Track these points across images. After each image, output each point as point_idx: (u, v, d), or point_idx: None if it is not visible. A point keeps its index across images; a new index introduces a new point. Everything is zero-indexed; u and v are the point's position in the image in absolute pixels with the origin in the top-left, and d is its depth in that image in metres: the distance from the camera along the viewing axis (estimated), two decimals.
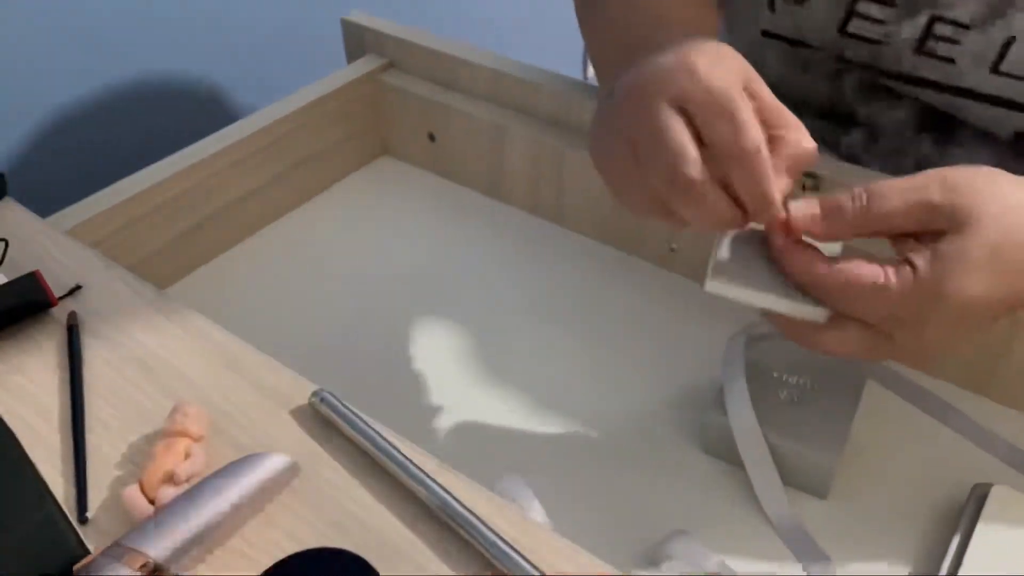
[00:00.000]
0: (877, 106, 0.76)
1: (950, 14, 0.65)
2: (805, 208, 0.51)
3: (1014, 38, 0.64)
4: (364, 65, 0.89)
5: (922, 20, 0.67)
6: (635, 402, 0.67)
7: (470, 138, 0.85)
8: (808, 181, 0.67)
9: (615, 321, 0.74)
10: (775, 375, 0.63)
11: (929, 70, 0.69)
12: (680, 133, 0.48)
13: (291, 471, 0.48)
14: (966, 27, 0.65)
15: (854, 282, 0.48)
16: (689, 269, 0.77)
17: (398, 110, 0.89)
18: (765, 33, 0.77)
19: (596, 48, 0.68)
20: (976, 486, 0.58)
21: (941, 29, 0.66)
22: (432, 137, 0.88)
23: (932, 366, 0.67)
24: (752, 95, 0.50)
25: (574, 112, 0.79)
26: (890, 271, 0.47)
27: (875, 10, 0.68)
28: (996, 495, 0.56)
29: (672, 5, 0.64)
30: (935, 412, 0.66)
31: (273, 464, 0.47)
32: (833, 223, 0.50)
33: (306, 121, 0.83)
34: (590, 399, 0.67)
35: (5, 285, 0.56)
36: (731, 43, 0.85)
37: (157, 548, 0.43)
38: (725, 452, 0.61)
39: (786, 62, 0.79)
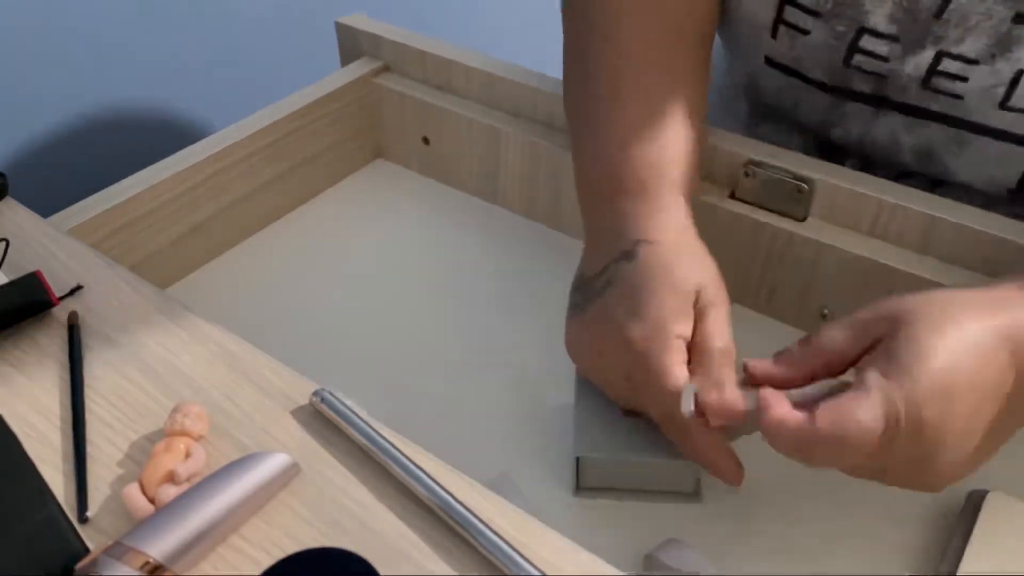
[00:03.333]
0: (864, 156, 0.77)
1: (956, 49, 0.64)
2: (760, 363, 0.53)
3: (1023, 72, 0.63)
4: (359, 68, 0.89)
5: (928, 56, 0.66)
6: None
7: (465, 141, 0.85)
8: (801, 186, 0.68)
9: None
10: None
11: (936, 104, 0.68)
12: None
13: (291, 470, 0.48)
14: (974, 62, 0.64)
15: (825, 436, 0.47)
16: None
17: (393, 113, 0.89)
18: (767, 60, 0.77)
19: (581, 162, 0.69)
20: (971, 492, 0.58)
21: (948, 65, 0.65)
22: (427, 140, 0.88)
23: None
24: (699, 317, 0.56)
25: None
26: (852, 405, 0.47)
27: (879, 45, 0.67)
28: (992, 501, 0.56)
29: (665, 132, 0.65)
30: None
31: (273, 463, 0.47)
32: (785, 365, 0.52)
33: (301, 124, 0.83)
34: None
35: (6, 285, 0.56)
36: (730, 69, 0.85)
37: (158, 547, 0.43)
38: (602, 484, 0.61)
39: (781, 96, 0.79)
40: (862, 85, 0.72)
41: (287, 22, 1.07)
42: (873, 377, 0.47)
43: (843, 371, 0.51)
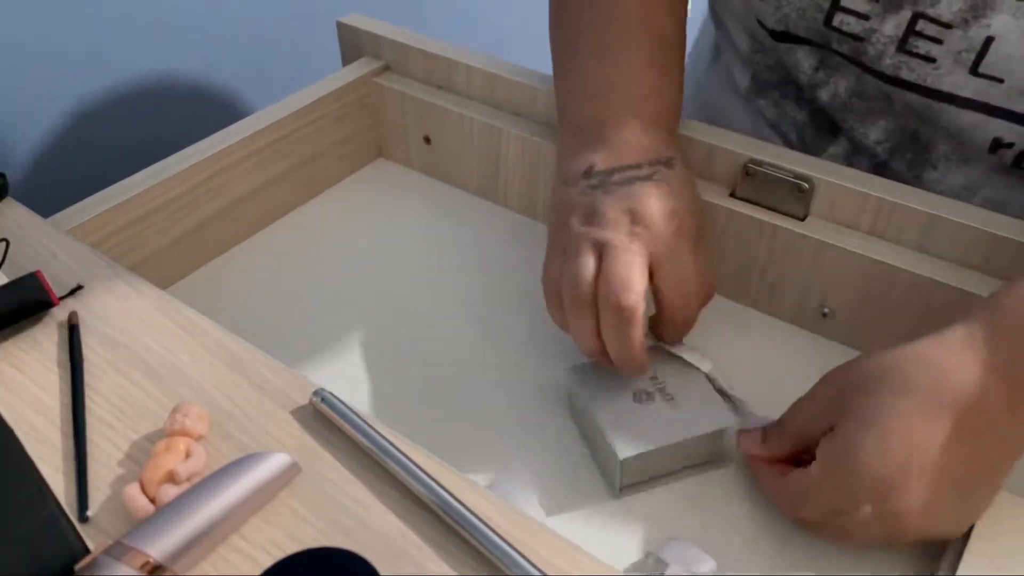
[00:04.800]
0: (853, 121, 0.77)
1: (932, 12, 0.65)
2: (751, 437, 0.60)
3: (993, 38, 0.64)
4: (360, 68, 0.89)
5: (905, 16, 0.66)
6: None
7: (466, 141, 0.85)
8: (801, 185, 0.68)
9: None
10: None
11: (909, 71, 0.69)
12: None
13: (291, 470, 0.48)
14: (948, 26, 0.65)
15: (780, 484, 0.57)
16: None
17: (394, 113, 0.89)
18: (759, 24, 0.77)
19: (561, 83, 0.74)
20: None
21: (923, 27, 0.66)
22: (428, 140, 0.88)
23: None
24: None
25: None
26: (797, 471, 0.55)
27: (859, 4, 0.68)
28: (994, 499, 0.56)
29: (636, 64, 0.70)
30: None
31: (273, 463, 0.47)
32: (768, 445, 0.59)
33: (302, 124, 0.83)
34: None
35: (6, 285, 0.56)
36: (728, 43, 0.86)
37: (158, 547, 0.43)
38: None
39: (776, 63, 0.80)
40: (840, 48, 0.72)
41: (288, 22, 1.07)
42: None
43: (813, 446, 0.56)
